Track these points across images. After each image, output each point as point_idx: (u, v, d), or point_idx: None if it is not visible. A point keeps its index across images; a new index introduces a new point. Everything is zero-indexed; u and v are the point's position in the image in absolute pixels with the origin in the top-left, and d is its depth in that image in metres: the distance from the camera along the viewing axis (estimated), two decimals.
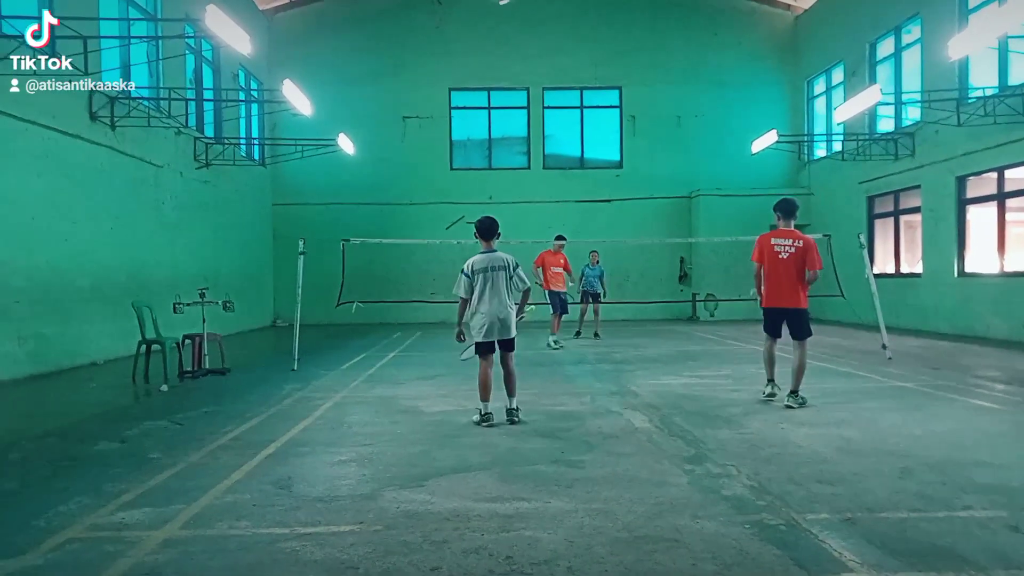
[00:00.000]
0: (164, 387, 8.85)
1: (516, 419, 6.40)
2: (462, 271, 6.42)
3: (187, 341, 10.07)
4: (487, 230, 6.51)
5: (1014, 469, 4.79)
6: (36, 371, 10.32)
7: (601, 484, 4.59)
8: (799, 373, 7.07)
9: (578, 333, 15.34)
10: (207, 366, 10.00)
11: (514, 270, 6.38)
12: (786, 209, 7.26)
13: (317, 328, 17.53)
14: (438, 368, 10.55)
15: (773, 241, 7.19)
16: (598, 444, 5.68)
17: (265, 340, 16.80)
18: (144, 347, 9.64)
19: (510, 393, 6.47)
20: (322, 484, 4.69)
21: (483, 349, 6.42)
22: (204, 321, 10.02)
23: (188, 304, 10.06)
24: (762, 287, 7.45)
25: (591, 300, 15.35)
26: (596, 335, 15.26)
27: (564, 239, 14.14)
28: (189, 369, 9.80)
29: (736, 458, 5.18)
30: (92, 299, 11.77)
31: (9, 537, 3.81)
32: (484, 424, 6.33)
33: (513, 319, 6.39)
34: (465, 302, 6.43)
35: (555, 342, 13.35)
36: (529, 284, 6.50)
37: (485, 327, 6.32)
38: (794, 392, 7.06)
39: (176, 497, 4.42)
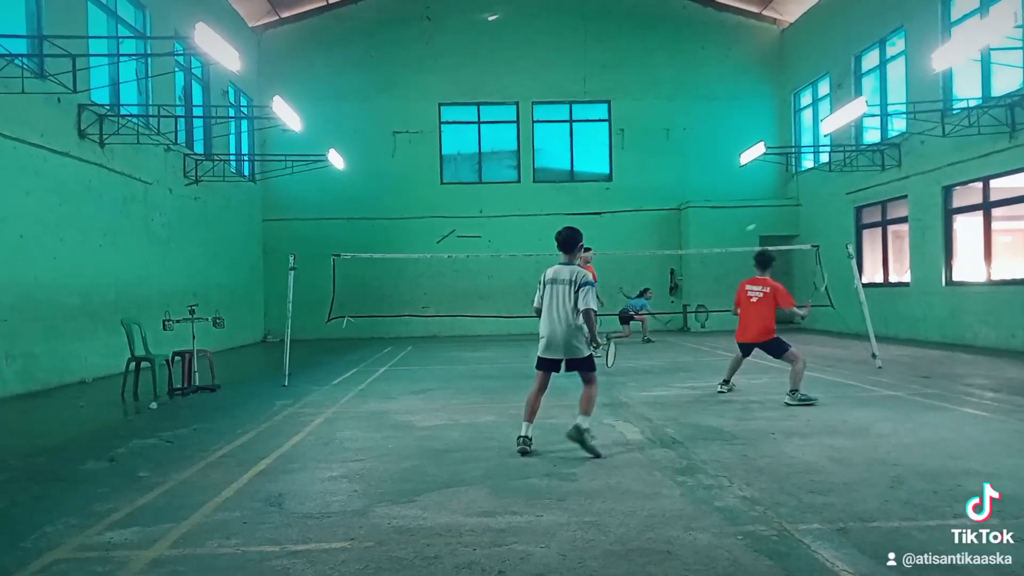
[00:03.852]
0: (154, 404, 8.78)
1: (576, 438, 5.68)
2: (538, 281, 6.03)
3: (177, 358, 10.00)
4: (562, 241, 6.00)
5: (1005, 477, 4.80)
6: (25, 389, 10.23)
7: (593, 497, 4.58)
8: (797, 379, 7.93)
9: (648, 340, 17.29)
10: (197, 383, 9.94)
11: (579, 287, 5.76)
12: (761, 262, 8.48)
13: (308, 343, 17.45)
14: (429, 382, 10.52)
15: (747, 288, 8.40)
16: (590, 457, 5.66)
17: (256, 356, 16.72)
18: (133, 364, 9.58)
19: (580, 410, 5.77)
20: (313, 501, 4.66)
21: (538, 364, 5.96)
22: (194, 338, 9.97)
23: (178, 321, 10.01)
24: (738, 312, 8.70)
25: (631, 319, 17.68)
26: (598, 343, 16.19)
27: (590, 249, 13.68)
28: (179, 386, 9.74)
29: (728, 469, 5.18)
30: (81, 316, 11.70)
31: None
32: (518, 447, 5.81)
33: (578, 338, 5.77)
34: (538, 311, 6.00)
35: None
36: (589, 306, 5.76)
37: (542, 342, 5.90)
38: (792, 392, 7.89)
39: (165, 516, 4.38)
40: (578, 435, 5.69)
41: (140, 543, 3.94)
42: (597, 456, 5.62)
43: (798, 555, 3.55)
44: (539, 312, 6.00)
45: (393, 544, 3.81)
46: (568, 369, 5.90)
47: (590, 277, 5.88)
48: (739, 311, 8.56)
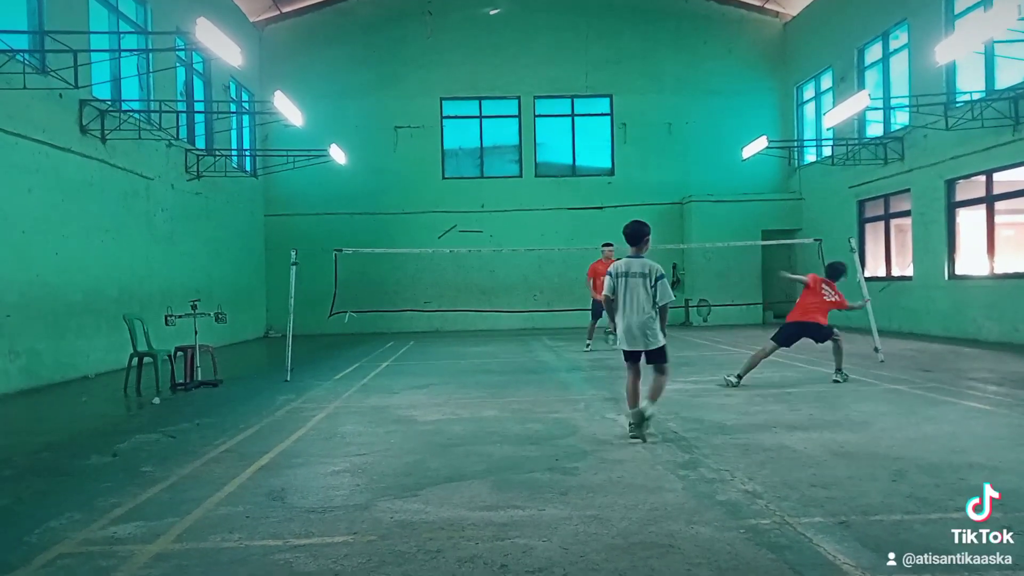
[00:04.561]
0: (156, 400, 8.81)
1: (638, 421, 5.93)
2: (609, 273, 6.24)
3: (179, 353, 10.03)
4: (629, 235, 6.18)
5: (1007, 471, 4.80)
6: (28, 386, 10.26)
7: (596, 491, 4.58)
8: (839, 357, 8.99)
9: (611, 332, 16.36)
10: (200, 378, 9.96)
11: (656, 280, 5.99)
12: (833, 272, 9.30)
13: (310, 339, 17.49)
14: (431, 377, 10.53)
15: (823, 286, 9.11)
16: (592, 451, 5.67)
17: (258, 351, 16.74)
18: (136, 360, 9.61)
19: (649, 396, 6.01)
20: (315, 495, 4.67)
21: (624, 357, 6.22)
22: (196, 333, 9.98)
23: (180, 316, 10.02)
24: (791, 277, 10.03)
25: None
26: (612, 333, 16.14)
27: (611, 245, 13.34)
28: (182, 381, 9.76)
29: (730, 463, 5.19)
30: (84, 312, 11.72)
31: (0, 554, 3.78)
32: (630, 433, 5.99)
33: (652, 328, 5.99)
34: (609, 300, 6.20)
35: (588, 346, 13.98)
36: (667, 300, 6.01)
37: (620, 335, 6.13)
38: (838, 370, 8.99)
39: (169, 510, 4.40)
40: (639, 419, 5.93)
41: (144, 537, 3.95)
42: (642, 440, 5.88)
43: (800, 548, 3.55)
44: (607, 300, 6.22)
45: (396, 538, 3.82)
46: (647, 361, 6.11)
47: (662, 270, 6.07)
48: (802, 295, 9.16)
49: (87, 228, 11.98)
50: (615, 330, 6.26)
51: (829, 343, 9.03)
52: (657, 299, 5.98)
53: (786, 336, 9.06)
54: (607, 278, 6.23)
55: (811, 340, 9.09)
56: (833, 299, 9.07)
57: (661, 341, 6.04)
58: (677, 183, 21.80)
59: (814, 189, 20.60)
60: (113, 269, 12.70)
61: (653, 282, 5.98)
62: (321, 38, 21.79)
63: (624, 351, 6.18)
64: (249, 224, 20.38)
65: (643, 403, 5.97)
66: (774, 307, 20.41)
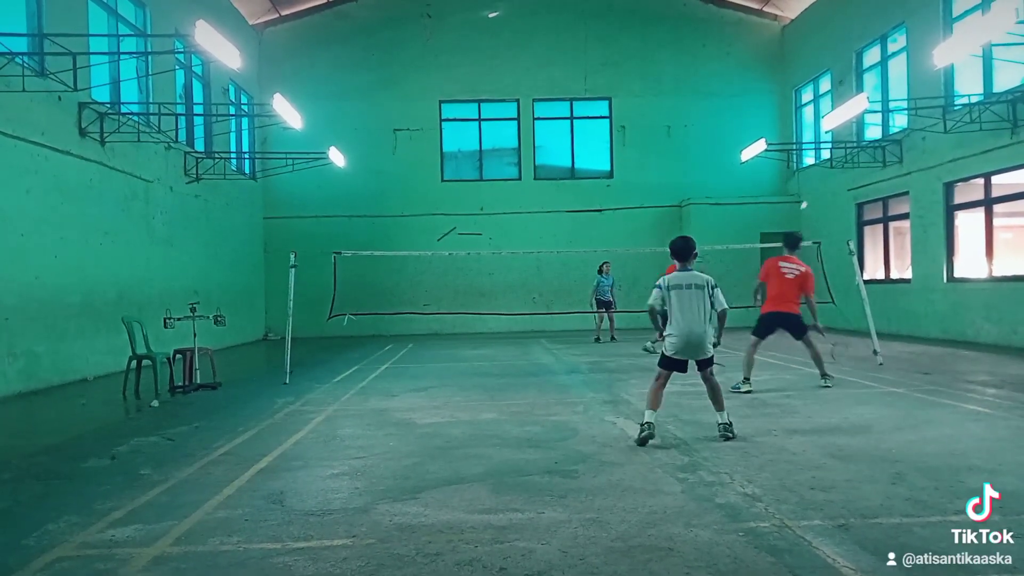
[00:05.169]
0: (155, 403, 8.79)
1: (730, 434, 6.03)
2: (656, 285, 6.25)
3: (178, 356, 10.00)
4: (676, 251, 6.29)
5: (1007, 473, 4.80)
6: (27, 388, 10.24)
7: (595, 494, 4.58)
8: (818, 361, 8.79)
9: (597, 339, 16.46)
10: (198, 381, 9.95)
11: (712, 289, 6.11)
12: (790, 242, 8.99)
13: (309, 341, 17.46)
14: (430, 380, 10.53)
15: (780, 264, 8.78)
16: (592, 454, 5.67)
17: (257, 354, 16.74)
18: (135, 362, 9.59)
19: (717, 408, 6.18)
20: (314, 498, 4.67)
21: (667, 364, 6.17)
22: (195, 335, 9.97)
23: (179, 319, 10.02)
24: (758, 296, 9.20)
25: (604, 308, 16.73)
26: (612, 338, 16.41)
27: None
28: (180, 384, 9.74)
29: (729, 466, 5.19)
30: (82, 315, 11.71)
31: None
32: (641, 435, 5.89)
33: (709, 339, 6.10)
34: (654, 310, 6.26)
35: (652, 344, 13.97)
36: (726, 307, 6.16)
37: (677, 344, 6.09)
38: (824, 375, 8.75)
39: (167, 513, 4.39)
40: (726, 431, 6.06)
41: (142, 541, 3.94)
42: (732, 437, 6.04)
43: (799, 551, 3.55)
44: (652, 310, 6.27)
45: (395, 541, 3.82)
46: (700, 368, 6.19)
47: (714, 280, 6.21)
48: (768, 286, 8.83)
49: (86, 230, 11.97)
50: (661, 338, 6.31)
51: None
52: (716, 307, 6.13)
53: (763, 329, 8.90)
54: (655, 289, 6.23)
55: (790, 334, 8.83)
56: (797, 273, 8.68)
57: (712, 351, 6.17)
58: (676, 186, 21.79)
59: (813, 192, 20.61)
60: (112, 271, 12.68)
61: (710, 292, 6.12)
62: (320, 41, 21.79)
63: (671, 358, 6.13)
64: (248, 227, 20.37)
65: (720, 417, 6.12)
66: None
